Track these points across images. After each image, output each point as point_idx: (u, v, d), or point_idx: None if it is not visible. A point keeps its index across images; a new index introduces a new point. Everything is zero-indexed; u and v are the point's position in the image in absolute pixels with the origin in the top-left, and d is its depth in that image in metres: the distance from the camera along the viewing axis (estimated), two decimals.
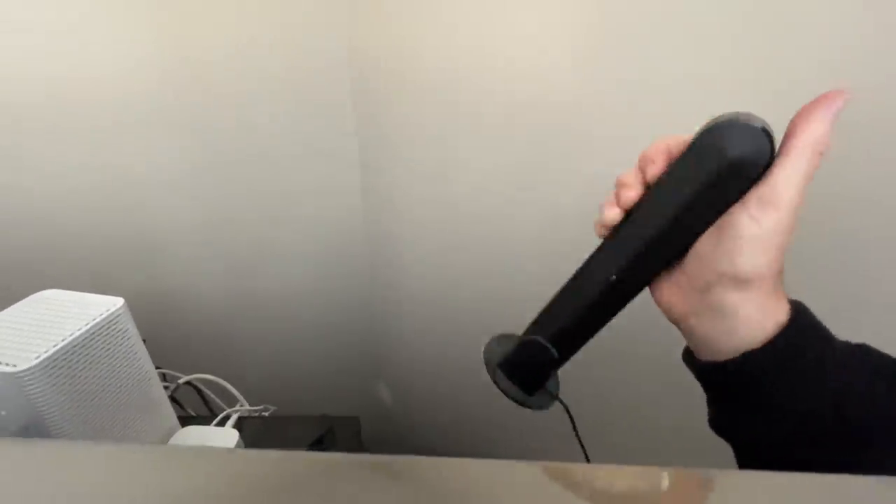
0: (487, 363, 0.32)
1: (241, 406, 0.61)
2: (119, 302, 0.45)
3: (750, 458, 0.24)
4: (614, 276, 0.26)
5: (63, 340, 0.39)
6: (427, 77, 0.61)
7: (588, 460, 0.33)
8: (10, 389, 0.37)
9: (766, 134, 0.21)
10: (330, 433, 0.55)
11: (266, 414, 0.63)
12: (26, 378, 0.37)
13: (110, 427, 0.45)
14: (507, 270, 0.62)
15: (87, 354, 0.41)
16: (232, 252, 0.77)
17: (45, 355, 0.37)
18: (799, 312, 0.23)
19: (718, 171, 0.22)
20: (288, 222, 0.79)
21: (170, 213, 0.70)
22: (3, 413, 0.39)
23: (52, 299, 0.45)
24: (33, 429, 0.40)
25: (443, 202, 0.67)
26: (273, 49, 0.67)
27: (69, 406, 0.40)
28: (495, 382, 0.31)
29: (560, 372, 0.32)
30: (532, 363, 0.30)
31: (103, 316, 0.43)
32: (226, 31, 0.63)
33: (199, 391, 0.61)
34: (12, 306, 0.43)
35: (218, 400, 0.64)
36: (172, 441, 0.52)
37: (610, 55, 0.43)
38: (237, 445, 0.52)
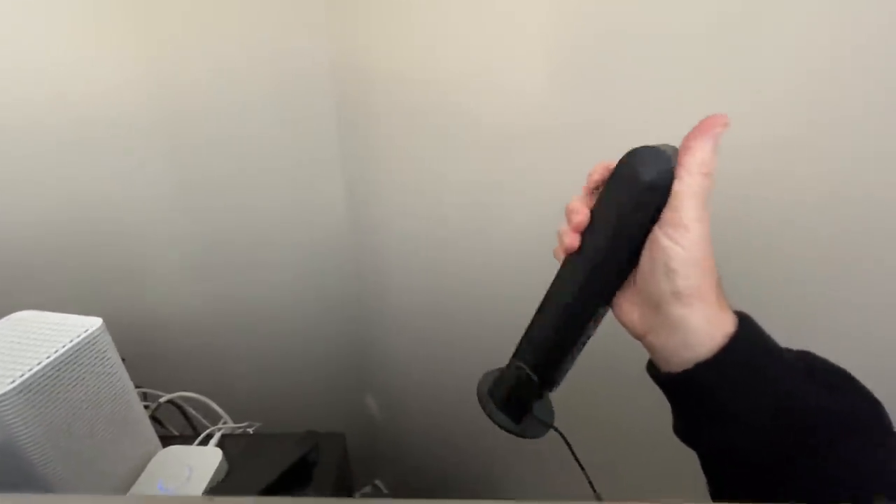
0: (480, 396, 0.32)
1: (225, 423, 0.60)
2: (97, 322, 0.44)
3: (712, 465, 0.25)
4: (571, 300, 0.28)
5: (39, 364, 0.39)
6: (410, 88, 0.62)
7: (591, 486, 0.32)
8: None
9: (669, 159, 0.24)
10: (315, 450, 0.54)
11: (251, 431, 0.62)
12: (1, 403, 0.36)
13: (89, 450, 0.44)
14: (495, 282, 0.63)
15: (65, 377, 0.40)
16: (214, 268, 0.76)
17: (20, 379, 0.37)
18: (743, 323, 0.24)
19: (631, 192, 0.25)
20: (272, 237, 0.78)
21: (151, 229, 0.69)
22: None
23: (27, 320, 0.44)
24: (8, 452, 0.39)
25: (428, 215, 0.68)
26: (255, 64, 0.67)
27: (46, 430, 0.39)
28: (488, 415, 0.31)
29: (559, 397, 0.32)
30: (515, 390, 0.31)
31: (81, 337, 0.42)
32: (208, 48, 0.63)
33: (181, 409, 0.60)
34: None
35: (201, 418, 0.63)
36: (153, 462, 0.51)
37: (587, 69, 0.44)
38: (220, 464, 0.52)
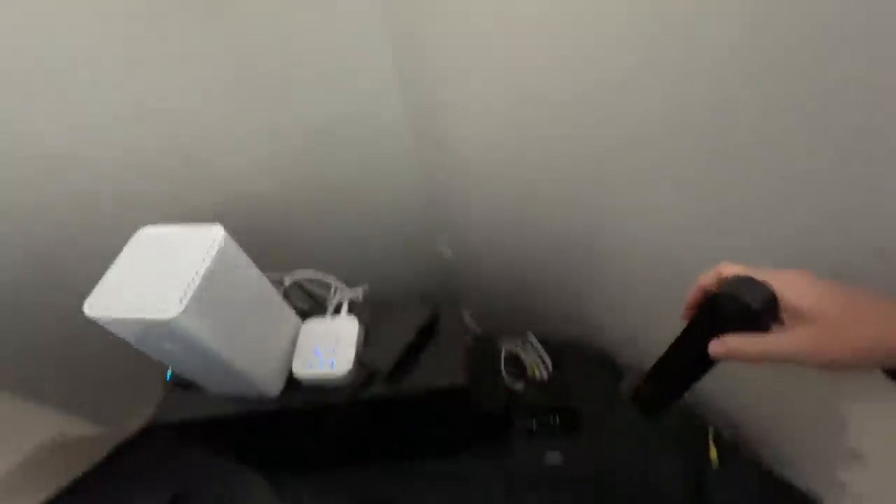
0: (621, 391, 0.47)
1: (342, 291, 0.65)
2: (220, 230, 0.44)
3: None
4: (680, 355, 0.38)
5: (195, 279, 0.40)
6: None
7: None
8: (166, 333, 0.40)
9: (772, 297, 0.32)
10: (437, 310, 0.59)
11: (360, 295, 0.67)
12: (178, 322, 0.39)
13: (254, 336, 0.49)
14: (580, 126, 0.57)
15: (216, 284, 0.42)
16: (282, 147, 0.72)
17: (187, 299, 0.39)
18: None
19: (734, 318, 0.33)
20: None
21: (216, 123, 0.64)
22: (168, 346, 0.43)
23: (155, 237, 0.45)
24: (198, 354, 0.44)
25: (508, 52, 0.58)
26: None
27: (218, 331, 0.43)
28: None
29: None
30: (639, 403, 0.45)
31: (215, 246, 0.43)
32: None
33: (301, 287, 0.65)
34: (123, 252, 0.44)
35: (317, 290, 0.68)
36: (302, 335, 0.57)
37: None
38: (359, 330, 0.57)
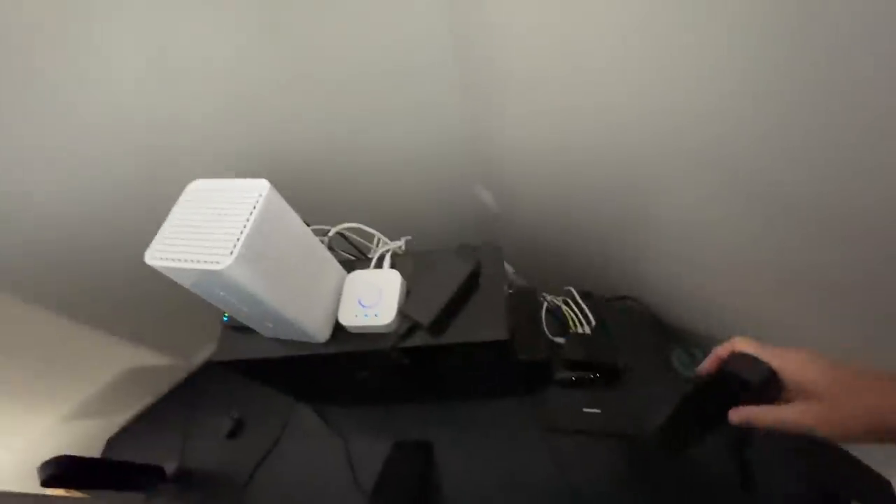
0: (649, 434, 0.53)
1: (385, 244, 0.65)
2: (265, 183, 0.45)
3: None
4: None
5: (244, 230, 0.41)
6: None
7: None
8: (219, 281, 0.42)
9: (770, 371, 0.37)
10: (479, 261, 0.58)
11: (403, 246, 0.67)
12: (230, 271, 0.40)
13: (301, 286, 0.51)
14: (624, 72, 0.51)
15: (264, 234, 0.43)
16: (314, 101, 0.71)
17: (238, 249, 0.40)
18: None
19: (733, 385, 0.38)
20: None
21: (260, 75, 0.63)
22: (222, 293, 0.45)
23: (205, 190, 0.46)
24: (250, 302, 0.46)
25: None
26: None
27: (267, 280, 0.45)
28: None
29: None
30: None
31: (262, 199, 0.43)
32: None
33: (344, 238, 0.66)
34: (177, 204, 0.45)
35: (360, 239, 0.69)
36: (346, 286, 0.59)
37: None
38: (402, 283, 0.58)
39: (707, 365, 0.42)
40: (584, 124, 0.65)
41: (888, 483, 0.64)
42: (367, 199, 0.90)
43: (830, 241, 0.49)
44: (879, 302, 0.51)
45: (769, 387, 0.36)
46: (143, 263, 0.42)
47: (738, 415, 0.38)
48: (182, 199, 0.46)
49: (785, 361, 0.36)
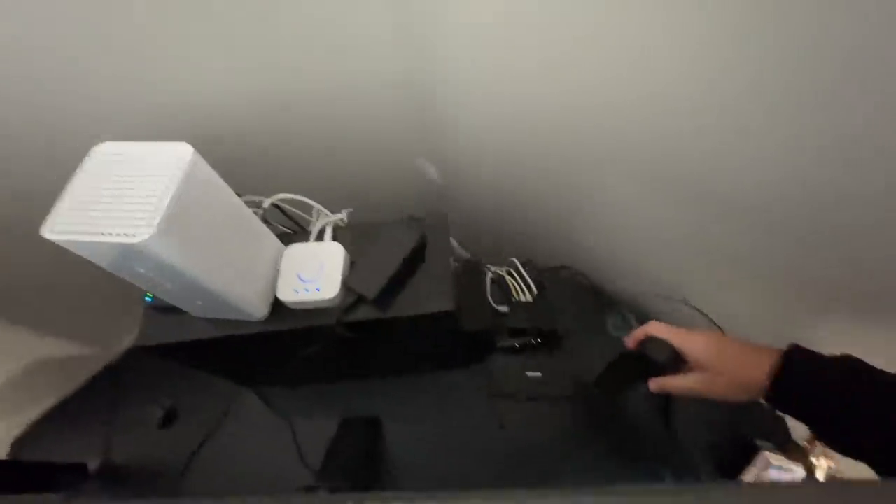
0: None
1: (326, 216, 0.62)
2: (188, 149, 0.41)
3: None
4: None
5: (164, 199, 0.37)
6: None
7: None
8: (138, 257, 0.38)
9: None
10: (424, 233, 0.57)
11: (345, 218, 0.65)
12: (150, 244, 0.36)
13: (233, 259, 0.47)
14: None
15: (188, 205, 0.39)
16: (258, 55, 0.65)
17: (159, 219, 0.36)
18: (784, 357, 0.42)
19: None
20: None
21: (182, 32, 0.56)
22: (142, 270, 0.41)
23: (115, 154, 0.41)
24: (177, 279, 0.42)
25: None
26: None
27: (192, 253, 0.41)
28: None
29: None
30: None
31: (184, 165, 0.39)
32: None
33: (280, 209, 0.62)
34: (80, 169, 0.40)
35: (300, 212, 0.65)
36: (284, 260, 0.55)
37: None
38: (344, 256, 0.56)
39: (630, 343, 0.52)
40: (528, 100, 0.65)
41: (782, 419, 0.73)
42: (306, 169, 0.86)
43: (735, 220, 0.54)
44: (769, 263, 0.57)
45: (674, 363, 0.48)
46: (46, 240, 0.37)
47: (654, 384, 0.51)
48: (86, 164, 0.40)
49: (685, 342, 0.47)
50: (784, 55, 0.39)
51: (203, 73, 0.65)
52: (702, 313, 0.70)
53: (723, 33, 0.40)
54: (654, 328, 0.50)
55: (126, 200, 0.38)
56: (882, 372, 0.38)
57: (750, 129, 0.46)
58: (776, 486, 0.43)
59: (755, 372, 0.42)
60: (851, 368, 0.39)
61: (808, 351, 0.41)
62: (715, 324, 0.70)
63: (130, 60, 0.58)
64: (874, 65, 0.35)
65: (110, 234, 0.36)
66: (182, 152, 0.40)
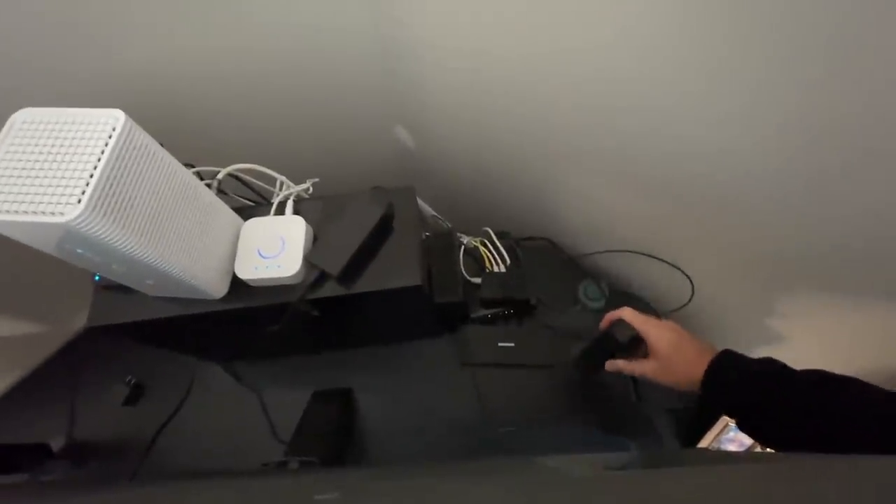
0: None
1: (289, 188, 0.59)
2: (120, 114, 0.37)
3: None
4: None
5: (94, 172, 0.34)
6: None
7: None
8: (67, 236, 0.35)
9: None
10: (390, 205, 0.55)
11: (309, 189, 0.62)
12: (79, 223, 0.33)
13: (181, 234, 0.44)
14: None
15: (122, 178, 0.36)
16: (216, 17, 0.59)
17: (88, 195, 0.33)
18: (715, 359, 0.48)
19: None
20: None
21: None
22: (79, 251, 0.38)
23: (38, 123, 0.37)
24: (120, 259, 0.39)
25: None
26: None
27: (131, 229, 0.38)
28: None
29: None
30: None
31: (118, 133, 0.36)
32: None
33: (240, 180, 0.58)
34: None
35: (262, 184, 0.62)
36: (242, 235, 0.53)
37: None
38: (307, 231, 0.53)
39: (602, 323, 0.57)
40: (502, 64, 0.62)
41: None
42: (267, 139, 0.81)
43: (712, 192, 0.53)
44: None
45: (635, 346, 0.53)
46: None
47: (611, 365, 0.56)
48: (5, 133, 0.36)
49: (651, 331, 0.51)
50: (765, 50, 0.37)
51: (150, 34, 0.59)
52: (673, 265, 0.70)
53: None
54: (626, 314, 0.54)
55: (52, 174, 0.34)
56: (797, 371, 0.43)
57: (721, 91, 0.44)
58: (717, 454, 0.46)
59: (698, 369, 0.47)
60: (770, 368, 0.44)
61: (737, 355, 0.47)
62: (690, 279, 0.69)
63: (63, 15, 0.52)
64: (840, 54, 0.34)
65: (35, 212, 0.33)
66: (114, 119, 0.36)
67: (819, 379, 0.42)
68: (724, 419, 0.66)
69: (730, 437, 0.66)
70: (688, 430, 0.68)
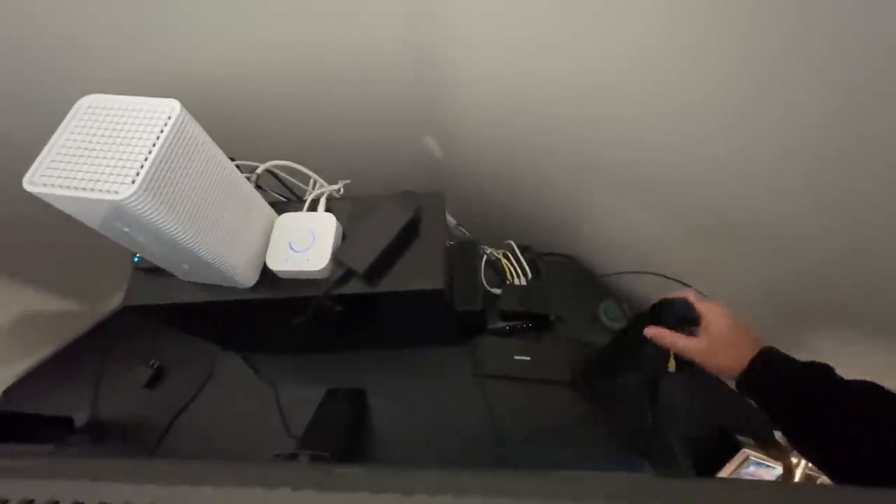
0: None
1: (322, 186, 0.61)
2: (175, 104, 0.39)
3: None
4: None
5: (148, 156, 0.36)
6: None
7: None
8: (119, 215, 0.37)
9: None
10: (419, 209, 0.56)
11: (341, 189, 0.63)
12: (131, 203, 0.35)
13: (221, 223, 0.46)
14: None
15: (173, 164, 0.38)
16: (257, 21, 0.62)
17: (142, 177, 0.35)
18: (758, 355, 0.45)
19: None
20: None
21: None
22: (126, 230, 0.40)
23: (101, 108, 0.39)
24: (161, 240, 0.41)
25: None
26: None
27: (177, 217, 0.40)
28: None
29: None
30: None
31: (172, 121, 0.38)
32: None
33: (276, 177, 0.61)
34: (64, 123, 0.38)
35: (297, 182, 0.64)
36: (276, 228, 0.55)
37: None
38: (336, 228, 0.55)
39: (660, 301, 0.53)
40: (537, 84, 0.63)
41: (768, 421, 0.73)
42: (305, 138, 0.84)
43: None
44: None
45: (688, 317, 0.49)
46: (32, 195, 0.36)
47: (652, 331, 0.51)
48: (71, 116, 0.39)
49: (704, 309, 0.49)
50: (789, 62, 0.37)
51: (204, 33, 0.62)
52: (698, 291, 0.69)
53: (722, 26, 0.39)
54: (691, 295, 0.51)
55: (110, 156, 0.36)
56: (844, 380, 0.41)
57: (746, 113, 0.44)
58: (735, 483, 0.45)
59: (744, 360, 0.45)
60: (815, 372, 0.43)
61: (782, 353, 0.45)
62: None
63: (127, 12, 0.56)
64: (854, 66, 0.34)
65: (91, 189, 0.35)
66: (170, 108, 0.38)
67: (870, 389, 0.40)
68: (745, 452, 0.63)
69: (749, 472, 0.64)
70: (707, 459, 0.66)
